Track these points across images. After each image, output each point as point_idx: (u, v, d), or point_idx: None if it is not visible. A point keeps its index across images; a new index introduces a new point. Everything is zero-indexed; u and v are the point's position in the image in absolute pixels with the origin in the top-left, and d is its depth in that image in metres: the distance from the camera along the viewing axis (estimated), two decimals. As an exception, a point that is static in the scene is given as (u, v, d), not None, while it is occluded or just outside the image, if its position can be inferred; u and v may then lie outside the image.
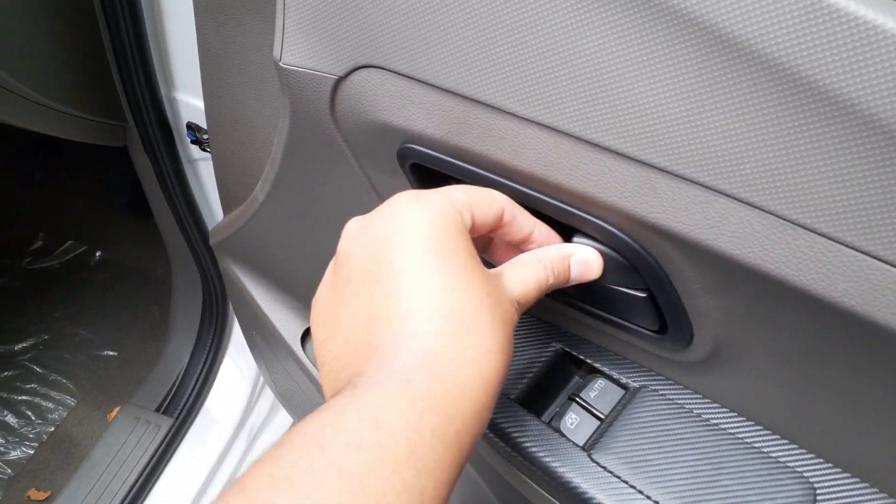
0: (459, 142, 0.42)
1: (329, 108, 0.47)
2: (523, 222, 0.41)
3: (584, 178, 0.37)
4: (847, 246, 0.30)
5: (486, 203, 0.39)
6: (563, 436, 0.44)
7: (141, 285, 1.55)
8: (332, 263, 0.41)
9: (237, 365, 1.27)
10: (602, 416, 0.45)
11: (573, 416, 0.45)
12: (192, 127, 1.02)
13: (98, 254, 1.63)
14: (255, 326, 0.87)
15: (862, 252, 0.30)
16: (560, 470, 0.42)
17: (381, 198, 0.53)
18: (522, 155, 0.39)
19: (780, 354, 0.37)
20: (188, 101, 0.99)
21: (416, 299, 0.34)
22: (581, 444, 0.44)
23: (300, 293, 0.77)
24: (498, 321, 0.34)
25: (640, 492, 0.40)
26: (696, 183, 0.34)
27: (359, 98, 0.45)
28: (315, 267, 0.72)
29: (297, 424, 0.30)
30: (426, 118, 0.42)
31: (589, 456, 0.43)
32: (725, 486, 0.40)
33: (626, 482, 0.41)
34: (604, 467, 0.42)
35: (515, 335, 0.51)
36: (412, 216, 0.36)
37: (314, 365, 0.81)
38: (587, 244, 0.39)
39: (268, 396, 1.29)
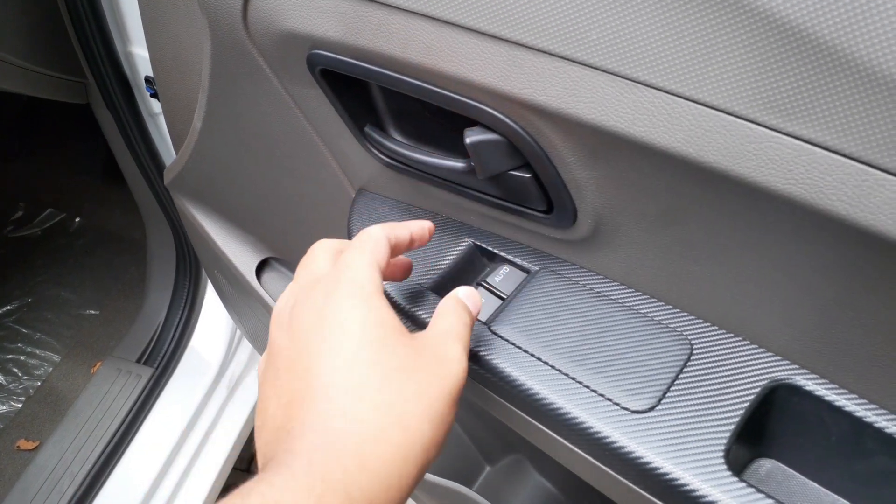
0: (356, 41, 0.44)
1: (242, 22, 0.50)
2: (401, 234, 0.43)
3: (464, 63, 0.40)
4: (682, 97, 0.33)
5: (382, 245, 0.41)
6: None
7: (119, 248, 1.58)
8: (267, 349, 0.42)
9: (215, 314, 1.31)
10: (504, 296, 0.48)
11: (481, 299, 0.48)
12: (150, 80, 1.05)
13: (77, 220, 1.66)
14: (215, 264, 0.90)
15: (693, 101, 0.33)
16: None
17: (303, 112, 0.56)
18: (411, 48, 0.42)
19: (650, 219, 0.40)
20: (144, 55, 1.01)
21: (330, 378, 0.34)
22: (484, 320, 0.47)
23: (250, 226, 0.80)
24: (424, 392, 0.34)
25: (532, 355, 0.44)
26: (554, 55, 0.37)
27: (267, 8, 0.48)
28: (258, 195, 0.75)
29: None
30: (325, 21, 0.45)
31: (489, 328, 0.46)
32: (609, 345, 0.43)
33: (520, 347, 0.44)
34: (501, 336, 0.45)
35: (435, 234, 0.54)
36: (342, 311, 0.36)
37: (272, 298, 0.84)
38: (477, 137, 0.42)
39: (247, 346, 1.33)
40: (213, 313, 1.31)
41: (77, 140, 1.78)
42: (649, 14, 0.34)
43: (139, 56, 1.02)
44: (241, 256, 0.82)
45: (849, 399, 0.39)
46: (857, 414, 0.38)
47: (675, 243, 0.41)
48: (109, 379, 1.23)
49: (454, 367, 0.36)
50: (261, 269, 0.84)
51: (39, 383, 1.36)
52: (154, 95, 1.04)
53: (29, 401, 1.34)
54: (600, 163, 0.39)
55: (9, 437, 1.28)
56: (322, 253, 0.43)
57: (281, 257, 0.83)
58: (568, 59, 0.36)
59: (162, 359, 1.26)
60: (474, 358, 0.46)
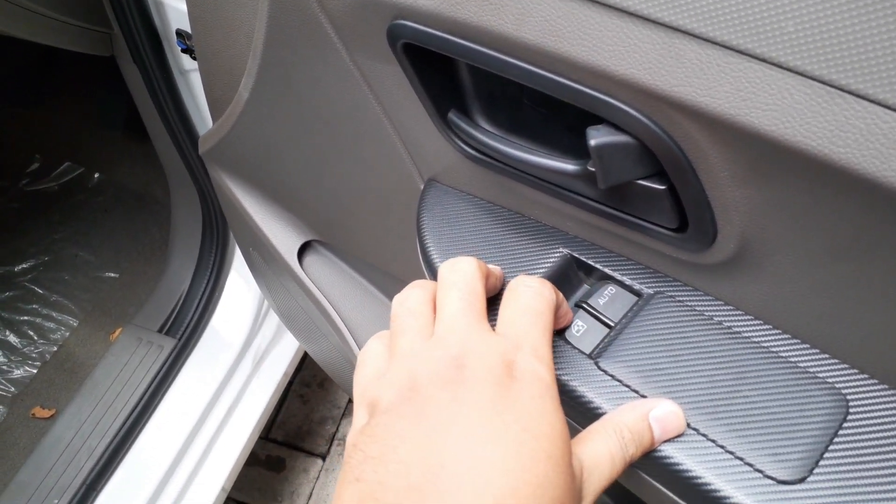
0: (455, 14, 0.37)
1: (311, -18, 0.42)
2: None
3: (598, 49, 0.32)
4: (907, 114, 0.26)
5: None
6: (569, 343, 0.41)
7: (140, 207, 1.52)
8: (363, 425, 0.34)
9: (241, 285, 1.25)
10: (612, 324, 0.41)
11: (580, 323, 0.42)
12: (181, 34, 0.96)
13: (96, 175, 1.59)
14: (252, 242, 0.83)
15: (926, 121, 0.25)
16: (563, 378, 0.39)
17: (373, 90, 0.48)
18: (527, 24, 0.34)
19: (816, 251, 0.33)
20: (177, 6, 0.93)
21: (486, 481, 0.29)
22: (588, 351, 0.40)
23: (294, 205, 0.73)
24: None
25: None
26: (728, 47, 0.29)
27: (343, -32, 0.40)
28: (308, 175, 0.67)
29: None
30: (418, -13, 0.37)
31: (596, 364, 0.39)
32: (746, 396, 0.36)
33: (636, 391, 0.38)
34: (612, 375, 0.38)
35: (520, 239, 0.47)
36: (547, 421, 0.31)
37: (313, 283, 0.77)
38: (605, 139, 0.35)
39: (273, 318, 1.27)
40: (239, 283, 1.24)
41: (98, 92, 1.69)
42: (871, 6, 0.26)
43: (171, 6, 0.94)
44: (283, 237, 0.75)
45: None
46: None
47: (842, 281, 0.33)
48: (129, 348, 1.18)
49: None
50: (302, 251, 0.77)
51: (56, 348, 1.31)
52: (186, 51, 0.96)
53: (45, 366, 1.29)
54: (764, 182, 0.32)
55: (23, 405, 1.24)
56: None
57: (327, 241, 0.76)
58: (748, 55, 0.29)
59: (185, 330, 1.20)
60: (576, 398, 0.39)
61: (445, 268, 0.38)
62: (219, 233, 1.22)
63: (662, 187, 0.36)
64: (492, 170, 0.46)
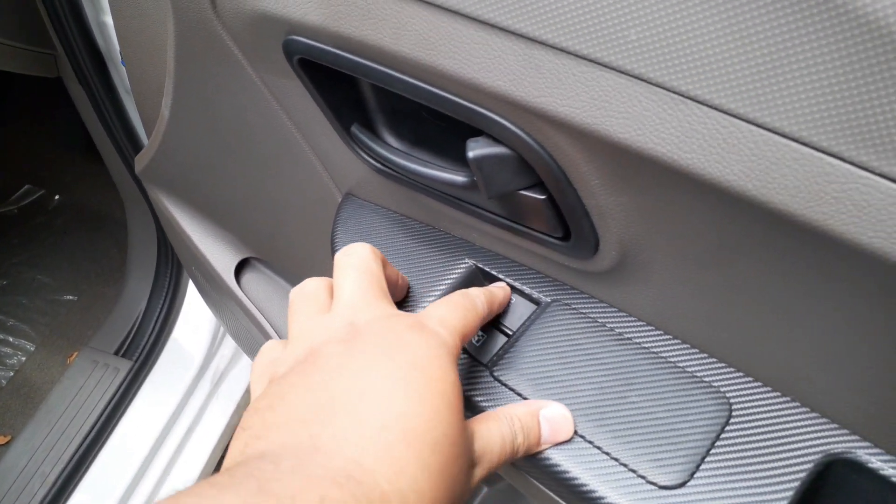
0: (340, 28, 0.37)
1: (209, 1, 0.42)
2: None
3: (468, 61, 0.33)
4: (743, 119, 0.26)
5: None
6: (467, 353, 0.41)
7: (100, 228, 1.51)
8: (318, 310, 0.36)
9: (198, 305, 1.24)
10: (510, 333, 0.41)
11: (480, 332, 0.42)
12: (126, 54, 0.97)
13: (56, 197, 1.58)
14: (193, 262, 0.83)
15: (759, 126, 0.26)
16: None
17: (282, 106, 0.48)
18: (403, 38, 0.35)
19: (689, 256, 0.34)
20: (119, 26, 0.93)
21: (376, 407, 0.29)
22: (485, 361, 0.40)
23: (227, 223, 0.73)
24: (450, 474, 0.29)
25: (544, 408, 0.37)
26: (580, 56, 0.29)
27: (235, -14, 0.40)
28: (235, 192, 0.67)
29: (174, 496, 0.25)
30: (304, 3, 0.38)
31: (491, 373, 0.39)
32: (634, 402, 0.37)
33: (527, 399, 0.38)
34: (505, 384, 0.39)
35: (429, 251, 0.47)
36: (440, 366, 0.32)
37: (250, 300, 0.77)
38: (482, 151, 0.35)
39: (232, 339, 1.26)
40: (196, 304, 1.24)
41: (56, 114, 1.69)
42: (707, 11, 0.26)
43: (112, 26, 0.94)
44: (219, 256, 0.75)
45: (923, 482, 0.32)
46: (933, 501, 0.32)
47: (720, 286, 0.34)
48: (85, 371, 1.17)
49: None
50: (240, 269, 0.77)
51: (12, 374, 1.29)
52: (131, 71, 0.96)
53: (1, 392, 1.27)
54: (631, 189, 0.32)
55: (-22, 431, 1.22)
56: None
57: (262, 258, 0.76)
58: (599, 64, 0.29)
59: (142, 351, 1.19)
60: (473, 407, 0.39)
61: (341, 253, 0.38)
62: (173, 252, 1.22)
63: (543, 197, 0.36)
64: (399, 183, 0.46)
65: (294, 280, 0.76)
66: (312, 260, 0.66)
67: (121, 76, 0.99)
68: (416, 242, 0.48)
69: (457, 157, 0.43)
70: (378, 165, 0.45)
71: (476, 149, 0.35)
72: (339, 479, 0.26)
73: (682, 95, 0.27)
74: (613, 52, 0.28)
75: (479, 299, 0.38)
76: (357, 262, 0.37)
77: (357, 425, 0.28)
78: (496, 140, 0.35)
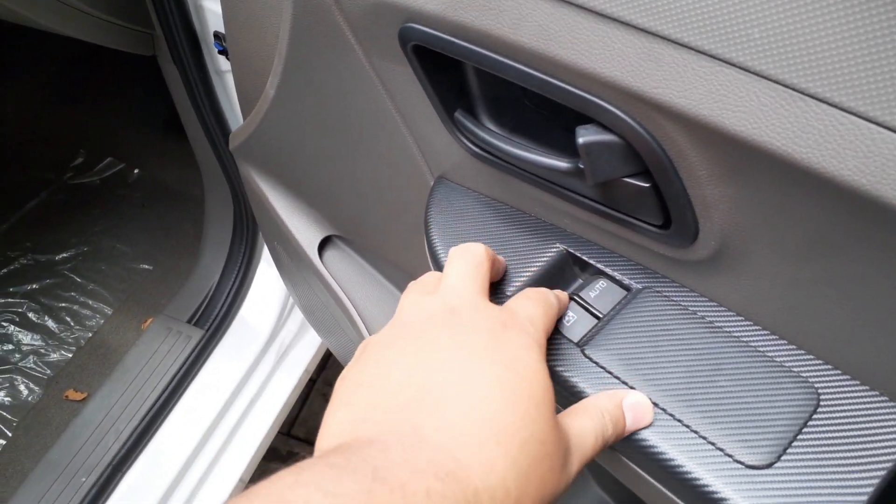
0: (459, 18, 0.39)
1: (330, -13, 0.45)
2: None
3: (586, 52, 0.35)
4: (860, 116, 0.28)
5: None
6: (559, 332, 0.43)
7: (176, 204, 1.57)
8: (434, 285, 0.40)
9: (269, 281, 1.29)
10: (600, 315, 0.43)
11: (571, 314, 0.44)
12: (219, 36, 1.01)
13: (136, 171, 1.65)
14: (276, 237, 0.87)
15: (876, 123, 0.27)
16: (551, 364, 0.41)
17: (387, 90, 0.51)
18: (523, 28, 0.37)
19: (789, 249, 0.35)
20: (214, 9, 0.97)
21: (474, 404, 0.31)
22: (576, 340, 0.42)
23: (316, 201, 0.76)
24: (539, 472, 0.31)
25: (632, 388, 0.39)
26: (701, 52, 0.31)
27: (359, -26, 0.43)
28: (328, 171, 0.71)
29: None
30: (426, -7, 0.40)
31: (582, 351, 0.41)
32: (722, 386, 0.38)
33: (617, 377, 0.40)
34: (596, 362, 0.40)
35: (520, 234, 0.49)
36: (532, 367, 0.34)
37: (332, 277, 0.81)
38: (592, 137, 0.37)
39: (298, 314, 1.31)
40: (266, 279, 1.28)
41: (140, 90, 1.76)
42: (828, 11, 0.28)
43: (209, 10, 0.98)
44: (305, 231, 0.79)
45: None
46: None
47: (815, 279, 0.35)
48: (159, 337, 1.22)
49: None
50: (323, 246, 0.80)
51: (90, 334, 1.36)
52: (222, 52, 1.01)
53: (79, 351, 1.34)
54: (739, 181, 0.34)
55: (58, 387, 1.29)
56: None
57: (346, 236, 0.79)
58: (719, 59, 0.31)
59: (213, 321, 1.24)
60: (562, 382, 0.41)
61: (455, 248, 0.41)
62: (249, 229, 1.26)
63: (647, 185, 0.38)
64: (495, 167, 0.48)
65: (375, 259, 0.79)
66: (396, 240, 0.69)
67: (213, 58, 1.04)
68: (508, 226, 0.50)
69: (555, 143, 0.45)
70: (477, 150, 0.48)
71: (586, 135, 0.37)
72: (440, 473, 0.28)
73: (801, 92, 0.29)
74: (735, 49, 0.30)
75: (551, 295, 0.41)
76: (469, 257, 0.40)
77: (457, 420, 0.30)
78: (605, 128, 0.37)
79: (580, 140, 0.37)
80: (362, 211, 0.70)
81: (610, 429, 0.36)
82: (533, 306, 0.38)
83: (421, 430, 0.30)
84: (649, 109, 0.34)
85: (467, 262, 0.40)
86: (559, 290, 0.45)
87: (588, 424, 0.36)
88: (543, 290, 0.41)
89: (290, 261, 0.89)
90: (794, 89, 0.29)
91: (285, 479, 0.26)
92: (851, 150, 0.28)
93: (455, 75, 0.46)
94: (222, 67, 1.06)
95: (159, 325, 1.25)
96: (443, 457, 0.29)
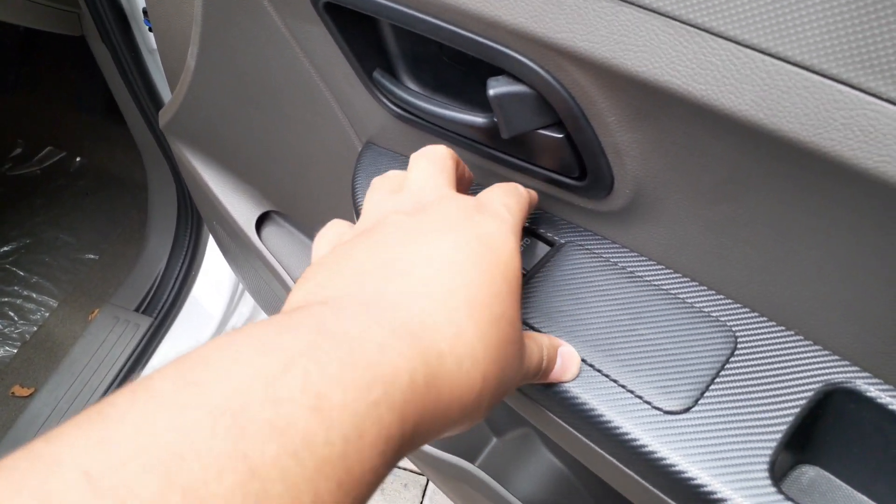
0: (367, -29, 0.38)
1: (236, -56, 0.44)
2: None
3: (491, 0, 0.34)
4: (756, 49, 0.27)
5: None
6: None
7: (120, 190, 1.53)
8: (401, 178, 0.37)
9: (217, 264, 1.27)
10: (524, 272, 0.43)
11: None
12: (148, 13, 0.98)
13: (77, 159, 1.61)
14: (214, 216, 0.85)
15: (771, 55, 0.27)
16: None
17: (306, 53, 0.50)
18: (429, -21, 0.36)
19: (702, 192, 0.35)
20: (142, -15, 0.94)
21: (443, 272, 0.29)
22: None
23: (249, 176, 0.74)
24: (505, 354, 0.30)
25: (556, 341, 0.39)
26: (601, -8, 0.30)
27: (264, -70, 0.41)
28: (258, 144, 0.69)
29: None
30: (331, -54, 0.39)
31: (505, 308, 0.41)
32: (642, 334, 0.38)
33: (538, 330, 0.39)
34: (521, 319, 0.40)
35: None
36: (508, 248, 0.32)
37: (271, 254, 0.79)
38: (503, 89, 0.36)
39: (250, 297, 1.29)
40: (215, 262, 1.26)
41: (77, 75, 1.71)
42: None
43: (137, -15, 0.96)
44: (241, 209, 0.77)
45: (921, 411, 0.34)
46: (932, 431, 0.33)
47: (728, 221, 0.35)
48: (107, 327, 1.20)
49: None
50: (261, 222, 0.79)
51: (36, 328, 1.33)
52: (153, 29, 0.98)
53: (25, 346, 1.31)
54: (647, 125, 0.33)
55: (3, 383, 1.26)
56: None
57: (283, 211, 0.78)
58: (618, -1, 0.30)
59: (161, 308, 1.22)
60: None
61: (417, 152, 0.38)
62: (193, 212, 1.24)
63: (560, 136, 0.37)
64: (418, 128, 0.47)
65: (311, 232, 0.78)
66: (334, 212, 0.68)
67: (143, 36, 1.01)
68: (435, 188, 0.49)
69: (476, 100, 0.44)
70: (399, 111, 0.47)
71: (496, 87, 0.36)
72: (399, 331, 0.25)
73: (698, 27, 0.29)
74: (632, -13, 0.30)
75: (522, 188, 0.38)
76: (433, 156, 0.37)
77: (423, 285, 0.28)
78: (516, 79, 0.36)
79: (491, 92, 0.36)
80: (295, 183, 0.68)
81: (545, 363, 0.36)
82: (506, 195, 0.36)
83: (383, 293, 0.27)
84: (555, 56, 0.34)
85: (432, 161, 0.37)
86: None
87: (534, 346, 0.35)
88: (514, 183, 0.39)
89: (231, 241, 0.87)
90: (690, 24, 0.29)
91: (223, 336, 0.23)
92: (749, 84, 0.28)
93: (371, 33, 0.45)
94: (153, 45, 1.03)
95: (106, 314, 1.22)
96: (405, 316, 0.26)
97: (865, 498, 0.37)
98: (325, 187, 0.65)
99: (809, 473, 0.39)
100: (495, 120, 0.39)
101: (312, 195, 0.68)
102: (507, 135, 0.38)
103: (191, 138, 0.75)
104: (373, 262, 0.29)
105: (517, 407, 0.44)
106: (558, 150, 0.38)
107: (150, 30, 0.97)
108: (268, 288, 0.89)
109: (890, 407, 0.34)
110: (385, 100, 0.46)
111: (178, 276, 1.24)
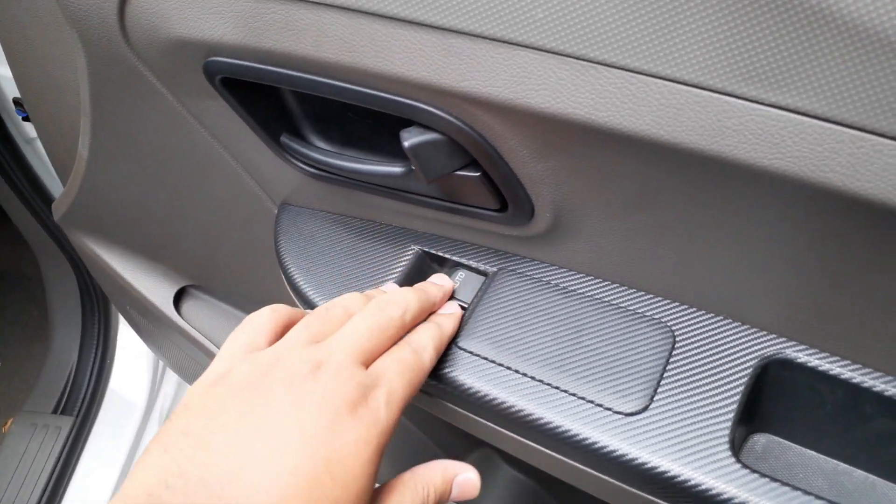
0: (260, 43, 0.39)
1: (120, 32, 0.43)
2: None
3: (391, 59, 0.35)
4: (648, 75, 0.30)
5: None
6: (429, 333, 0.43)
7: (13, 287, 1.44)
8: (241, 343, 0.38)
9: (133, 347, 1.21)
10: (465, 305, 0.44)
11: (448, 307, 0.44)
12: (19, 103, 0.93)
13: (-41, 263, 1.50)
14: (127, 301, 0.82)
15: (662, 78, 0.30)
16: (437, 368, 0.42)
17: (206, 128, 0.49)
18: (325, 45, 0.37)
19: (616, 206, 0.37)
20: (6, 75, 0.90)
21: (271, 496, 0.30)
22: (447, 336, 0.43)
23: (161, 255, 0.72)
24: None
25: (508, 367, 0.40)
26: (496, 40, 0.32)
27: (147, 14, 0.41)
28: (167, 222, 0.67)
29: None
30: (221, 24, 0.39)
31: (456, 344, 0.42)
32: (588, 345, 0.40)
33: (493, 361, 0.41)
34: (470, 352, 0.41)
35: (374, 244, 0.49)
36: (356, 484, 0.32)
37: (194, 328, 0.77)
38: (417, 139, 0.37)
39: (173, 374, 1.24)
40: (130, 346, 1.21)
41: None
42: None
43: (4, 77, 0.91)
44: (156, 289, 0.75)
45: (842, 366, 0.37)
46: (854, 380, 0.37)
47: (645, 228, 0.38)
48: (25, 436, 1.12)
49: None
50: (178, 298, 0.77)
51: (-56, 452, 1.23)
52: (27, 119, 0.93)
53: (-66, 473, 1.20)
54: (558, 154, 0.35)
55: (-83, 519, 1.15)
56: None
57: (200, 284, 0.76)
58: (512, 44, 0.32)
59: (81, 405, 1.15)
60: (443, 378, 0.41)
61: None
62: (98, 298, 1.18)
63: (477, 174, 0.39)
64: (334, 184, 0.48)
65: (234, 299, 0.77)
66: (251, 275, 0.67)
67: (17, 126, 0.96)
68: (361, 238, 0.50)
69: (386, 150, 0.45)
70: (312, 170, 0.47)
71: (410, 138, 0.37)
72: None
73: (591, 61, 0.31)
74: (524, 31, 0.31)
75: (427, 352, 0.38)
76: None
77: None
78: (427, 127, 0.38)
79: (406, 144, 0.37)
80: (211, 254, 0.67)
81: (432, 500, 0.36)
82: (399, 374, 0.36)
83: None
84: (462, 102, 0.35)
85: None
86: (448, 312, 0.43)
87: (408, 500, 0.35)
88: (419, 339, 0.39)
89: (148, 322, 0.84)
90: (584, 59, 0.31)
91: None
92: (646, 107, 0.30)
93: (272, 100, 0.46)
94: (30, 134, 0.98)
95: (22, 423, 1.15)
96: None
97: (814, 453, 0.41)
98: (240, 254, 0.65)
99: (761, 441, 0.42)
100: (412, 167, 0.40)
101: (228, 264, 0.67)
102: (427, 181, 0.39)
103: (91, 227, 0.72)
104: (221, 464, 0.31)
105: (481, 433, 0.45)
106: (477, 187, 0.40)
107: (25, 119, 0.92)
108: (192, 361, 0.86)
109: (819, 368, 0.37)
110: (297, 161, 0.47)
111: (92, 367, 1.18)
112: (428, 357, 0.38)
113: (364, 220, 0.51)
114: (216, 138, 0.50)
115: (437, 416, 0.75)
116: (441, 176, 0.39)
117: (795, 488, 0.34)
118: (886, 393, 0.36)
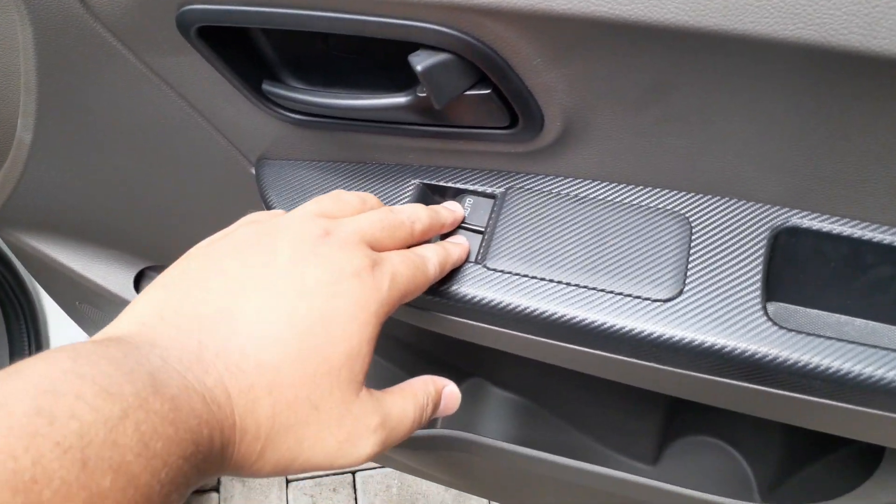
0: (247, -19, 0.37)
1: (76, -6, 0.40)
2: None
3: (399, -21, 0.34)
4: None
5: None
6: (454, 261, 0.44)
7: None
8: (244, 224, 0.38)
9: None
10: (482, 229, 0.45)
11: (457, 238, 0.45)
12: None
13: None
14: (78, 296, 0.77)
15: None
16: (456, 290, 0.42)
17: (173, 87, 0.46)
18: (322, -26, 0.35)
19: (629, 102, 0.38)
20: None
21: (264, 344, 0.31)
22: (473, 260, 0.43)
23: (117, 239, 0.68)
24: (296, 436, 0.31)
25: (542, 279, 0.41)
26: (514, -55, 0.32)
27: (109, -32, 0.38)
28: (125, 201, 0.63)
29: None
30: (198, -33, 0.37)
31: (485, 267, 0.43)
32: (611, 244, 0.42)
33: (525, 275, 0.42)
34: (501, 270, 0.42)
35: (372, 186, 0.49)
36: (352, 340, 0.33)
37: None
38: (429, 61, 0.37)
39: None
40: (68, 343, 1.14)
41: None
42: None
43: None
44: (113, 277, 0.71)
45: (843, 224, 0.40)
46: (856, 235, 0.40)
47: (657, 122, 0.39)
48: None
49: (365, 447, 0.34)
50: (138, 282, 0.73)
51: None
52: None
53: None
54: (573, 56, 0.36)
55: None
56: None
57: (163, 263, 0.72)
58: (529, -53, 0.32)
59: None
60: (476, 302, 0.42)
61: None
62: (22, 304, 1.10)
63: (488, 91, 0.39)
64: (322, 129, 0.47)
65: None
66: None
67: None
68: (355, 181, 0.49)
69: (371, 84, 0.44)
70: (298, 116, 0.45)
71: (422, 61, 0.37)
72: (207, 396, 0.28)
73: (612, -45, 0.31)
74: (542, -67, 0.32)
75: (431, 262, 0.39)
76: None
77: (240, 354, 0.30)
78: (434, 48, 0.37)
79: (419, 67, 0.37)
80: (181, 226, 0.64)
81: (430, 410, 0.38)
82: (404, 263, 0.37)
83: (203, 350, 0.30)
84: (472, 16, 0.35)
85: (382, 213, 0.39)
86: (455, 241, 0.43)
87: (410, 407, 0.36)
88: (426, 252, 0.39)
89: (103, 313, 0.79)
90: (604, -45, 0.31)
91: (61, 362, 0.25)
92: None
93: (250, 48, 0.44)
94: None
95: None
96: (213, 381, 0.29)
97: (819, 311, 0.44)
98: (213, 222, 0.62)
99: (770, 310, 0.45)
100: (419, 94, 0.40)
101: (204, 232, 0.64)
102: (441, 104, 0.39)
103: (32, 222, 0.67)
104: (216, 303, 0.32)
105: (515, 347, 0.46)
106: (486, 104, 0.40)
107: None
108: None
109: (823, 230, 0.40)
110: (282, 110, 0.45)
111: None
112: (432, 268, 0.39)
113: (355, 164, 0.50)
114: (184, 98, 0.47)
115: (413, 354, 0.75)
116: (452, 98, 0.39)
117: (829, 338, 0.37)
118: (885, 241, 0.40)
